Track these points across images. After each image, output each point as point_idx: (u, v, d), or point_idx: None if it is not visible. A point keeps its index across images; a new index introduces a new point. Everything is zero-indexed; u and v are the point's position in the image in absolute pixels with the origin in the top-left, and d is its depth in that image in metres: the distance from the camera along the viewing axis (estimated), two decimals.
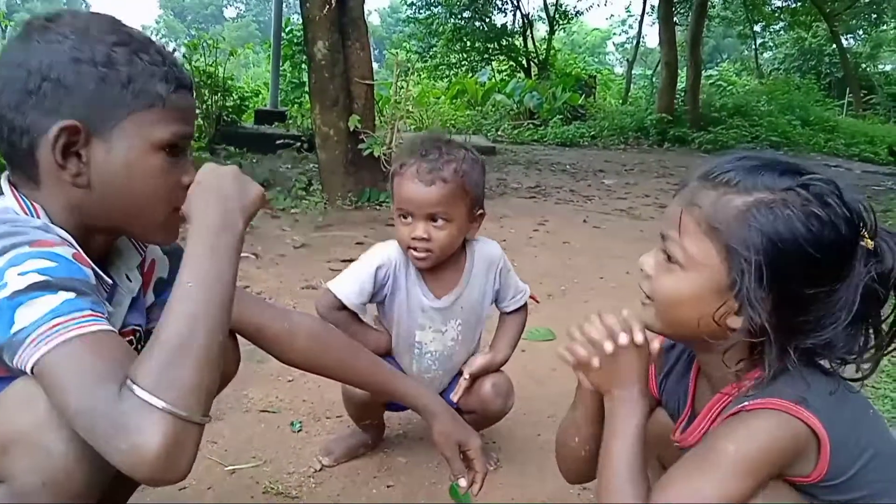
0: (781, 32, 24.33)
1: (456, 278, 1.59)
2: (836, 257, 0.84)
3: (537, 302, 2.75)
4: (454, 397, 1.62)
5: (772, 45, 26.73)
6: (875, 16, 21.58)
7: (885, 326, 0.89)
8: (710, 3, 15.14)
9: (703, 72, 14.79)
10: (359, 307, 1.56)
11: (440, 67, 17.16)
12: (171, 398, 0.75)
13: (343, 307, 1.55)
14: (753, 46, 25.02)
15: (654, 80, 16.51)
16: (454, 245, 1.53)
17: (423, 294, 1.57)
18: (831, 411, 0.85)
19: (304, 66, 7.77)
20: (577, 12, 18.99)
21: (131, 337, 1.06)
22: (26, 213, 0.89)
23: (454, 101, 13.49)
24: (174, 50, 6.93)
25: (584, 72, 17.36)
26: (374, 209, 4.82)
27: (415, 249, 1.50)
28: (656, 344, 0.99)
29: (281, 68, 9.12)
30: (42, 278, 0.78)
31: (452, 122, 11.59)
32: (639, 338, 0.95)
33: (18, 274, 0.77)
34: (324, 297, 1.58)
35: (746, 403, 0.87)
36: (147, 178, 0.92)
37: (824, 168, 0.92)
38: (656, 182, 7.28)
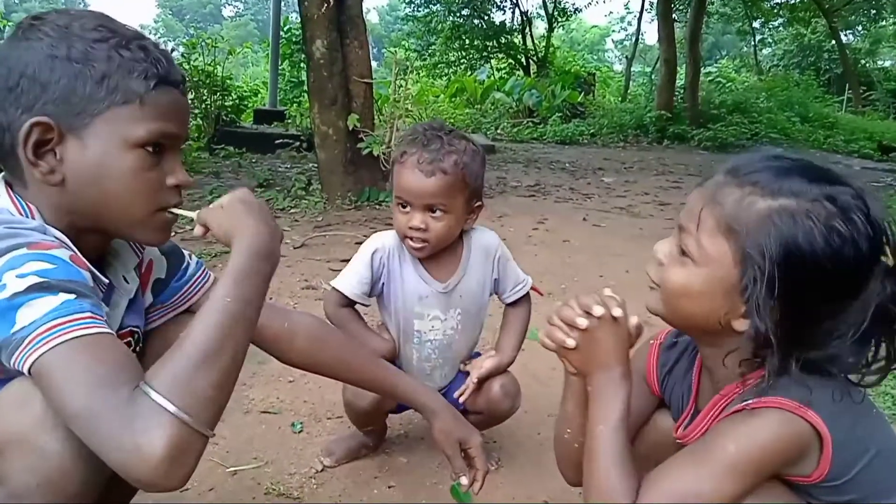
0: (780, 29, 24.33)
1: (453, 267, 1.59)
2: (853, 275, 0.82)
3: (541, 294, 2.73)
4: (459, 397, 1.61)
5: (771, 41, 26.70)
6: (874, 12, 21.54)
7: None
8: None
9: (702, 68, 14.78)
10: (362, 297, 1.57)
11: (439, 66, 17.18)
12: (184, 404, 0.74)
13: (347, 302, 1.56)
14: (752, 43, 25.01)
15: (653, 77, 16.50)
16: (451, 236, 1.54)
17: (421, 279, 1.57)
18: (834, 411, 0.84)
19: (302, 64, 7.77)
20: (576, 9, 19.00)
21: (129, 338, 1.05)
22: (21, 214, 0.89)
23: (453, 99, 13.51)
24: (173, 49, 6.93)
25: (583, 69, 17.40)
26: (374, 208, 4.80)
27: (411, 239, 1.51)
28: (634, 319, 0.96)
29: (280, 67, 9.13)
30: (41, 280, 0.77)
31: (451, 120, 11.59)
32: (616, 311, 0.93)
33: (17, 276, 0.77)
34: (329, 296, 1.60)
35: (749, 401, 0.86)
36: (121, 178, 0.90)
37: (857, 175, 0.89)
38: (656, 180, 7.27)
